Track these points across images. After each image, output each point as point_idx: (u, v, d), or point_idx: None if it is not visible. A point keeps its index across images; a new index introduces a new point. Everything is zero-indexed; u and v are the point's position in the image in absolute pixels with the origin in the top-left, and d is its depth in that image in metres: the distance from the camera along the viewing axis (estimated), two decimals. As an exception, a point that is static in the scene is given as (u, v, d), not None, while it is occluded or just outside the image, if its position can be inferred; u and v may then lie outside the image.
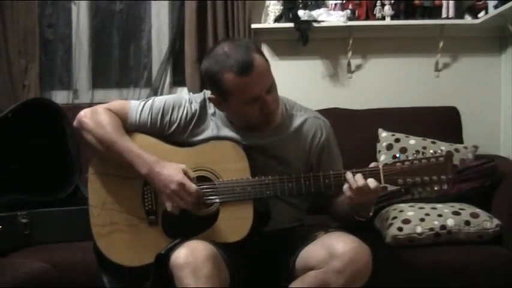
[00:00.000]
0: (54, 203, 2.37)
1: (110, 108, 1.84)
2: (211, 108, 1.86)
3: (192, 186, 1.69)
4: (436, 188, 1.68)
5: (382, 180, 1.68)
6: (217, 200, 1.75)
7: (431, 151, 1.71)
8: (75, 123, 1.86)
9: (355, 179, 1.65)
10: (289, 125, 1.87)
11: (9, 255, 2.16)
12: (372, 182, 1.65)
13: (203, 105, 1.86)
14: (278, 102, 1.80)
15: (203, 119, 1.85)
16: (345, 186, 1.67)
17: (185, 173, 1.71)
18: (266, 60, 1.73)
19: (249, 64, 1.65)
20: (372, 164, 1.71)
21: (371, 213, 1.80)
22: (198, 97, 1.88)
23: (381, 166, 1.70)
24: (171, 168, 1.71)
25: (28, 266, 1.99)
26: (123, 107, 1.86)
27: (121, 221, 1.80)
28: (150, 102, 1.86)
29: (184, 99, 1.87)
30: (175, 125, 1.84)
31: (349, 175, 1.67)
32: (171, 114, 1.84)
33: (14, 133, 2.38)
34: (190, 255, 1.55)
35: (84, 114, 1.83)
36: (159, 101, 1.86)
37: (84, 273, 2.04)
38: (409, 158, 1.70)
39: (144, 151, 1.75)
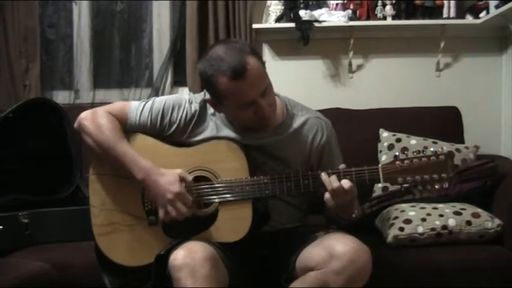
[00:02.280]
0: (55, 203, 2.36)
1: (111, 110, 1.84)
2: (210, 109, 1.85)
3: (189, 198, 1.70)
4: (436, 187, 1.68)
5: (382, 179, 1.68)
6: (216, 200, 1.75)
7: (431, 149, 1.70)
8: (75, 124, 1.86)
9: (330, 181, 1.66)
10: (289, 125, 1.86)
11: (10, 255, 2.16)
12: (346, 183, 1.66)
13: (203, 106, 1.86)
14: (275, 105, 1.79)
15: (203, 119, 1.85)
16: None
17: (182, 179, 1.71)
18: (262, 62, 1.71)
19: (242, 68, 1.64)
20: (341, 166, 1.71)
21: (354, 215, 1.80)
22: (198, 97, 1.88)
23: (380, 165, 1.70)
24: (169, 176, 1.71)
25: (28, 266, 1.98)
26: (123, 107, 1.86)
27: (121, 221, 1.80)
28: (150, 102, 1.86)
29: (184, 100, 1.87)
30: (175, 125, 1.84)
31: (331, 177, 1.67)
32: (171, 115, 1.84)
33: (15, 133, 2.38)
34: (188, 257, 1.55)
35: (85, 117, 1.83)
36: (159, 101, 1.86)
37: (84, 273, 2.03)
38: (409, 156, 1.69)
39: (140, 156, 1.75)
